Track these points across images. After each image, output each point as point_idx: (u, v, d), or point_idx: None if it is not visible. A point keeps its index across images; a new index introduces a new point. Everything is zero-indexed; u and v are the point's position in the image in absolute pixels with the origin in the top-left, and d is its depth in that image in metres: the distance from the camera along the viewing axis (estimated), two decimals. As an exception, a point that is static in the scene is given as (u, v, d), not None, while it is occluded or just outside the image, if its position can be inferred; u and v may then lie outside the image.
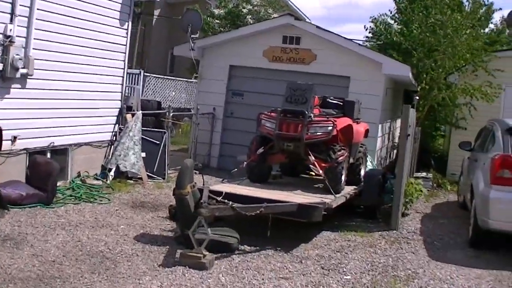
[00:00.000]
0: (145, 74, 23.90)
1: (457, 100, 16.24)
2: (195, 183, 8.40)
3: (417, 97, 15.40)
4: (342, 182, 9.84)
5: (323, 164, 9.53)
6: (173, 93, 25.46)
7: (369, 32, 20.45)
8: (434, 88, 16.11)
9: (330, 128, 9.53)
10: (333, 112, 10.77)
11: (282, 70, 15.00)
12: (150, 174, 12.92)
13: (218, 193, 8.43)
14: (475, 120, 15.78)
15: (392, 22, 19.91)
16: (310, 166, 9.85)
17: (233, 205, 7.86)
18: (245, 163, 9.96)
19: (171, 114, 14.12)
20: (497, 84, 15.47)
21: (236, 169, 10.20)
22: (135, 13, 29.72)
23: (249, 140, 13.52)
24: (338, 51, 14.62)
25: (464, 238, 9.98)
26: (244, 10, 29.76)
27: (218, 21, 29.06)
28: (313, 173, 11.38)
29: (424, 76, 16.14)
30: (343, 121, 10.15)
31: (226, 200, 8.15)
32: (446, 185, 15.64)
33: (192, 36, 16.00)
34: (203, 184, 8.86)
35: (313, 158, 9.47)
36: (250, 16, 29.11)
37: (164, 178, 13.06)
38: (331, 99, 10.94)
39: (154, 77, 24.43)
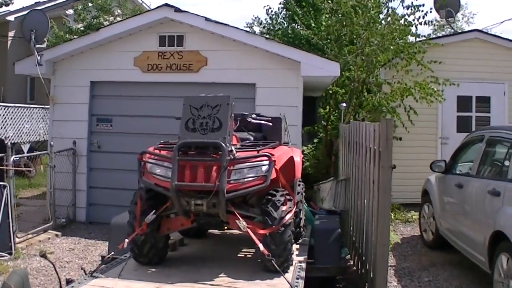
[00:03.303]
0: (-11, 104, 19.24)
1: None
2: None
3: (344, 104, 11.77)
4: (293, 253, 5.93)
5: (261, 231, 5.54)
6: (27, 125, 20.85)
7: (263, 27, 16.70)
8: (359, 90, 12.59)
9: (265, 167, 5.57)
10: (250, 136, 6.90)
11: (162, 82, 11.30)
12: (-12, 250, 8.70)
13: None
14: (411, 128, 12.46)
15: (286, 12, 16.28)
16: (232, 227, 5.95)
17: None
18: (126, 240, 5.74)
19: (11, 159, 9.72)
20: (445, 79, 12.18)
21: (112, 253, 6.04)
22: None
23: (124, 181, 10.30)
24: (237, 50, 10.92)
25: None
26: (106, 23, 25.93)
27: (76, 36, 24.83)
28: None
29: (348, 76, 12.62)
30: (281, 153, 6.17)
31: None
32: (388, 213, 12.08)
33: (38, 46, 12.04)
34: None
35: (244, 223, 5.46)
36: (113, 28, 24.99)
37: (10, 254, 8.87)
38: (252, 118, 6.89)
39: (1, 106, 19.68)
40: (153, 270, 5.87)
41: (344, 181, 9.71)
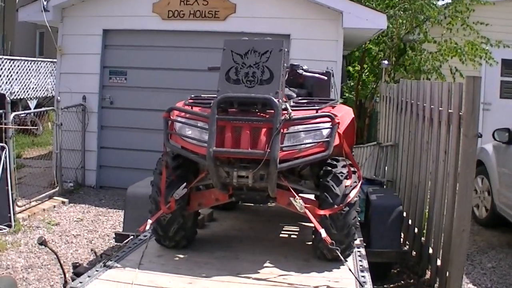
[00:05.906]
0: (-7, 56, 18.06)
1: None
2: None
3: (386, 62, 10.54)
4: (356, 238, 4.78)
5: (320, 211, 4.38)
6: (35, 80, 19.73)
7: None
8: (401, 48, 11.37)
9: (326, 131, 4.39)
10: (292, 93, 5.63)
11: (184, 31, 10.11)
12: (-16, 222, 7.55)
13: None
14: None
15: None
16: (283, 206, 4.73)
17: None
18: (149, 221, 4.58)
19: (11, 116, 8.47)
20: (498, 41, 10.96)
21: (131, 237, 4.91)
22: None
23: (139, 141, 9.66)
24: (270, -4, 9.76)
25: None
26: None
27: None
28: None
29: (386, 32, 11.42)
30: (344, 113, 4.97)
31: None
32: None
33: (45, -10, 10.66)
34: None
35: (301, 202, 4.30)
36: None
37: (10, 226, 7.68)
38: (304, 70, 5.68)
39: (7, 59, 18.49)
40: (181, 256, 4.72)
41: (391, 148, 8.54)
